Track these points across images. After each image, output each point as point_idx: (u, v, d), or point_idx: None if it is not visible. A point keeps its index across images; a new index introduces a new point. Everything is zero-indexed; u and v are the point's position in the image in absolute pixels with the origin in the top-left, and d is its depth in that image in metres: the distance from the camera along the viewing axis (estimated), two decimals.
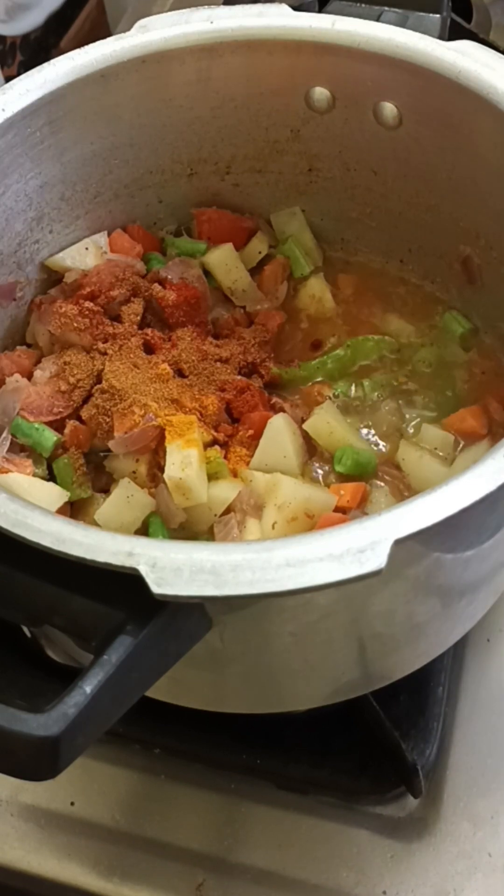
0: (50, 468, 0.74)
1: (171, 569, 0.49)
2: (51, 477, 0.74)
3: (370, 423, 0.79)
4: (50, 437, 0.73)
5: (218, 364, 0.79)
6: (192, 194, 0.88)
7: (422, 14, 0.87)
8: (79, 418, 0.75)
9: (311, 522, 0.69)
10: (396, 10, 0.87)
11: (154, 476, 0.72)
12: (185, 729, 0.76)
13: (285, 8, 0.79)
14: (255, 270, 0.88)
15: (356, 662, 0.65)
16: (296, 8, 0.79)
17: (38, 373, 0.77)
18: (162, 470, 0.70)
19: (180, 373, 0.78)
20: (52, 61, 0.76)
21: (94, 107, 0.78)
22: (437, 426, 0.77)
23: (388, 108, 0.78)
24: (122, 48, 0.77)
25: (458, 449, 0.76)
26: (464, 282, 0.83)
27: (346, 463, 0.74)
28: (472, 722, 0.78)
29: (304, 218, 0.89)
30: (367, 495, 0.73)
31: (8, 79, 1.23)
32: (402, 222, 0.85)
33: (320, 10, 0.87)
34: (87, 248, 0.83)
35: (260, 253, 0.88)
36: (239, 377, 0.79)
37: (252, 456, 0.74)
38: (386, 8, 0.87)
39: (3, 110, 0.73)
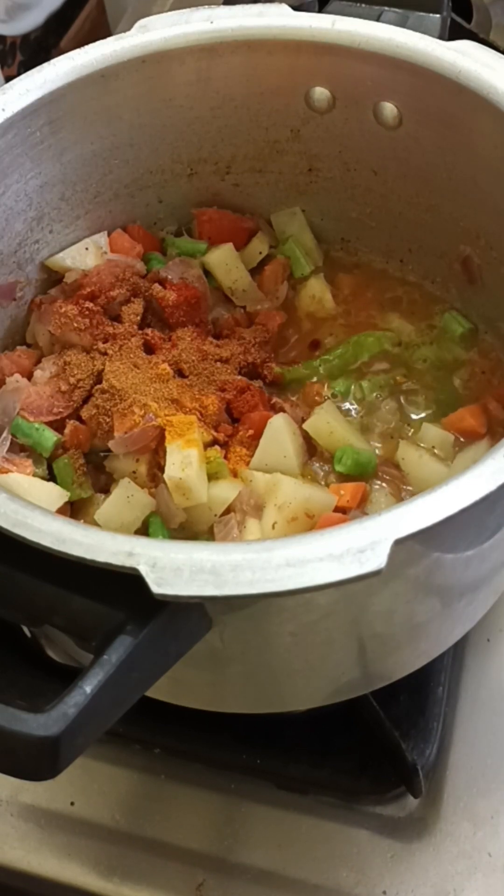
0: (50, 468, 0.74)
1: (171, 569, 0.49)
2: (51, 477, 0.74)
3: (370, 423, 0.79)
4: (50, 437, 0.73)
5: (218, 364, 0.79)
6: (192, 194, 0.88)
7: (422, 14, 0.87)
8: (79, 418, 0.75)
9: (311, 522, 0.69)
10: (396, 10, 0.87)
11: (154, 476, 0.72)
12: (185, 729, 0.76)
13: (285, 8, 0.79)
14: (256, 270, 0.88)
15: (356, 662, 0.65)
16: (296, 8, 0.79)
17: (38, 373, 0.77)
18: (162, 470, 0.70)
19: (180, 373, 0.78)
20: (52, 61, 0.76)
21: (94, 107, 0.78)
22: (437, 425, 0.77)
23: (388, 108, 0.78)
24: (122, 48, 0.77)
25: (458, 448, 0.76)
26: (464, 282, 0.83)
27: (346, 463, 0.74)
28: (472, 722, 0.78)
29: (304, 218, 0.89)
30: (367, 495, 0.73)
31: (8, 79, 1.23)
32: (402, 222, 0.85)
33: (320, 10, 0.87)
34: (87, 248, 0.83)
35: (260, 253, 0.88)
36: (239, 377, 0.79)
37: (252, 456, 0.74)
38: (386, 8, 0.87)
39: (3, 110, 0.73)
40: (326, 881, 0.72)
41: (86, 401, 0.76)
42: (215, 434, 0.74)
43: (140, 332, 0.79)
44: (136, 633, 0.50)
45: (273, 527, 0.69)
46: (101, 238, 0.85)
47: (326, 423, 0.75)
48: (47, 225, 0.81)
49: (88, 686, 0.48)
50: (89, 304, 0.78)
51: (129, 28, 0.78)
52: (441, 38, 0.75)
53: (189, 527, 0.71)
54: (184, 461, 0.69)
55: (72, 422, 0.75)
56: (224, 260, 0.86)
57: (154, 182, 0.86)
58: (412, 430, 0.78)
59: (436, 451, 0.76)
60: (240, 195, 0.89)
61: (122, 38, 0.77)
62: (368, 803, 0.75)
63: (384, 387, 0.81)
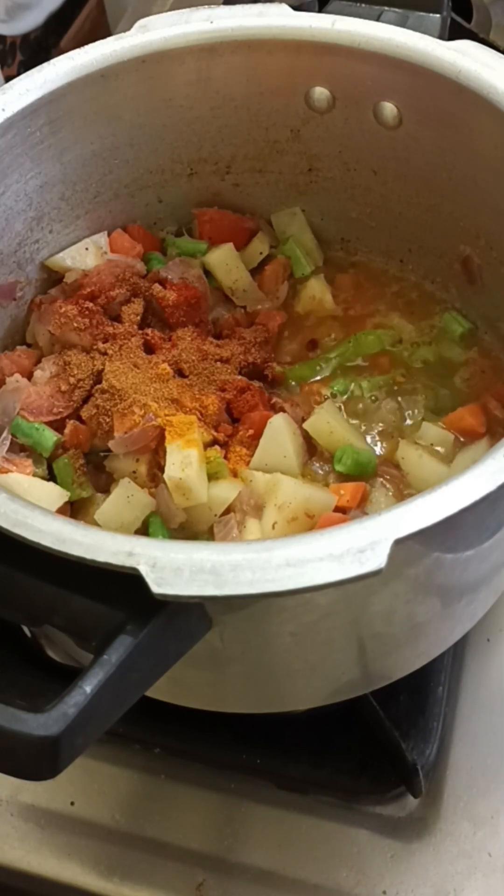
0: (50, 468, 0.74)
1: (171, 569, 0.49)
2: (51, 477, 0.74)
3: (370, 422, 0.79)
4: (50, 436, 0.73)
5: (218, 364, 0.79)
6: (192, 194, 0.88)
7: (422, 14, 0.87)
8: (79, 418, 0.75)
9: (311, 522, 0.69)
10: (396, 9, 0.87)
11: (154, 476, 0.72)
12: (185, 729, 0.76)
13: (285, 8, 0.79)
14: (256, 270, 0.88)
15: (356, 662, 0.65)
16: (296, 8, 0.79)
17: (38, 373, 0.77)
18: (162, 470, 0.70)
19: (180, 373, 0.78)
20: (52, 61, 0.76)
21: (94, 107, 0.78)
22: (437, 425, 0.77)
23: (388, 108, 0.78)
24: (122, 48, 0.77)
25: (458, 448, 0.76)
26: (464, 282, 0.83)
27: (346, 462, 0.74)
28: (472, 722, 0.78)
29: (304, 218, 0.89)
30: (367, 495, 0.73)
31: (8, 78, 1.23)
32: (402, 222, 0.85)
33: (320, 10, 0.87)
34: (87, 248, 0.83)
35: (261, 254, 0.88)
36: (239, 377, 0.79)
37: (252, 456, 0.74)
38: (386, 8, 0.87)
39: (3, 110, 0.73)
40: (326, 881, 0.72)
41: (86, 401, 0.76)
42: (215, 434, 0.74)
43: (140, 332, 0.79)
44: (136, 633, 0.50)
45: (273, 527, 0.69)
46: (101, 238, 0.85)
47: (326, 422, 0.75)
48: (47, 225, 0.81)
49: (88, 686, 0.48)
50: (89, 304, 0.79)
51: (129, 28, 0.78)
52: (441, 38, 0.75)
53: (189, 527, 0.71)
54: (184, 461, 0.69)
55: (72, 422, 0.75)
56: (224, 260, 0.86)
57: (154, 182, 0.86)
58: (412, 430, 0.78)
59: (436, 450, 0.76)
60: (240, 195, 0.89)
61: (122, 37, 0.77)
62: (368, 803, 0.75)
63: (384, 386, 0.81)
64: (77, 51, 0.76)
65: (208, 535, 0.70)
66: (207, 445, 0.73)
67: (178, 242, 0.88)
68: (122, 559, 0.49)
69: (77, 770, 0.68)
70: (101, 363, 0.76)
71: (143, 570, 0.49)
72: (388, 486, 0.74)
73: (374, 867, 0.72)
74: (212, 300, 0.84)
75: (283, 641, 0.59)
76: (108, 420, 0.73)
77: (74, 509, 0.73)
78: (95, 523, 0.70)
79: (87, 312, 0.78)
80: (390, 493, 0.74)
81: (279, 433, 0.74)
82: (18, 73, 0.94)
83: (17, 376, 0.77)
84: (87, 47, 0.77)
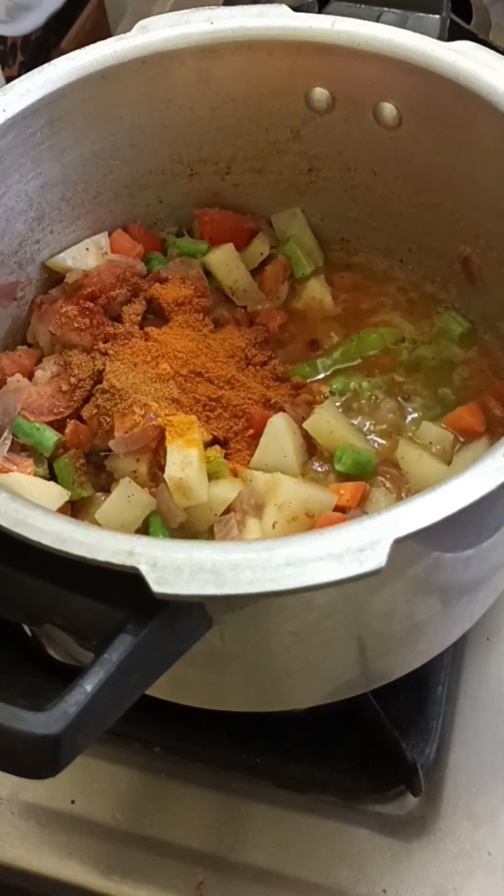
0: (51, 468, 0.74)
1: (172, 568, 0.49)
2: (52, 476, 0.74)
3: (370, 422, 0.80)
4: (51, 436, 0.74)
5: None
6: (192, 194, 0.88)
7: (422, 14, 0.87)
8: (79, 418, 0.75)
9: (311, 522, 0.69)
10: (396, 10, 0.87)
11: (154, 475, 0.72)
12: (186, 728, 0.76)
13: (285, 8, 0.79)
14: (256, 270, 0.88)
15: (356, 661, 0.65)
16: (296, 8, 0.79)
17: (38, 373, 0.78)
18: (162, 469, 0.70)
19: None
20: (53, 62, 0.76)
21: (94, 107, 0.78)
22: (437, 424, 0.77)
23: (388, 108, 0.78)
24: (122, 49, 0.77)
25: (457, 447, 0.76)
26: (464, 282, 0.83)
27: (346, 462, 0.74)
28: (472, 721, 0.78)
29: (304, 218, 0.89)
30: (367, 494, 0.73)
31: (9, 79, 1.23)
32: (402, 222, 0.85)
33: (320, 11, 0.87)
34: (87, 249, 0.83)
35: (261, 254, 0.88)
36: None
37: (252, 455, 0.74)
38: (386, 8, 0.87)
39: (4, 111, 0.73)
40: (326, 880, 0.72)
41: (86, 400, 0.76)
42: (215, 433, 0.75)
43: (140, 331, 0.79)
44: (136, 633, 0.50)
45: (273, 526, 0.69)
46: (102, 238, 0.85)
47: (326, 422, 0.76)
48: (48, 225, 0.81)
49: (89, 685, 0.48)
50: (90, 304, 0.79)
51: (129, 28, 0.78)
52: (441, 38, 0.76)
53: (189, 526, 0.71)
54: (184, 461, 0.69)
55: (72, 421, 0.75)
56: (224, 260, 0.86)
57: (154, 182, 0.86)
58: (412, 429, 0.78)
59: (435, 449, 0.76)
60: (240, 195, 0.89)
61: (122, 38, 0.78)
62: (368, 802, 0.75)
63: (383, 386, 0.81)
64: (78, 51, 0.77)
65: (208, 534, 0.70)
66: (207, 445, 0.73)
67: (179, 242, 0.88)
68: (122, 559, 0.50)
69: (77, 769, 0.68)
70: (102, 363, 0.76)
71: (144, 570, 0.49)
72: (388, 485, 0.74)
73: (374, 866, 0.72)
74: (212, 300, 0.84)
75: (283, 641, 0.59)
76: (108, 420, 0.73)
77: (75, 509, 0.73)
78: (96, 523, 0.70)
79: (87, 312, 0.78)
80: (390, 493, 0.74)
81: (279, 433, 0.74)
82: (19, 74, 0.94)
83: (18, 376, 0.77)
84: (87, 48, 0.77)
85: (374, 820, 0.74)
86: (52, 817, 0.76)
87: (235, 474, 0.72)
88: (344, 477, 0.74)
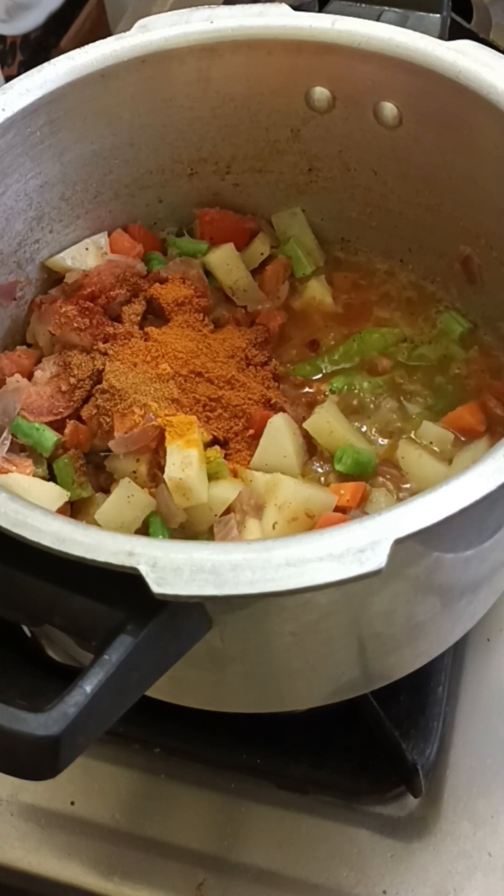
0: (50, 468, 0.74)
1: (172, 568, 0.49)
2: (51, 477, 0.74)
3: (370, 422, 0.79)
4: (50, 437, 0.73)
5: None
6: (192, 194, 0.88)
7: (422, 14, 0.87)
8: (79, 418, 0.75)
9: (311, 522, 0.69)
10: (396, 9, 0.87)
11: (154, 476, 0.72)
12: (185, 728, 0.76)
13: (285, 8, 0.79)
14: (257, 270, 0.88)
15: (356, 662, 0.65)
16: (296, 8, 0.79)
17: (38, 373, 0.77)
18: (162, 470, 0.70)
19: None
20: (52, 61, 0.76)
21: (94, 107, 0.78)
22: (437, 424, 0.77)
23: (388, 108, 0.78)
24: (122, 48, 0.77)
25: (458, 447, 0.76)
26: (464, 281, 0.83)
27: (347, 462, 0.74)
28: (472, 722, 0.78)
29: (304, 218, 0.89)
30: (368, 495, 0.73)
31: (8, 78, 1.23)
32: (402, 222, 0.85)
33: (320, 10, 0.87)
34: (87, 249, 0.83)
35: (262, 254, 0.88)
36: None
37: (252, 456, 0.74)
38: (386, 8, 0.87)
39: (4, 110, 0.73)
40: (326, 881, 0.72)
41: (86, 401, 0.76)
42: (215, 433, 0.75)
43: (140, 331, 0.79)
44: (136, 633, 0.50)
45: (273, 527, 0.69)
46: (102, 238, 0.85)
47: (327, 422, 0.76)
48: (47, 225, 0.81)
49: (89, 686, 0.48)
50: (89, 304, 0.79)
51: (129, 28, 0.78)
52: (441, 37, 0.75)
53: (189, 527, 0.71)
54: (184, 461, 0.69)
55: (72, 422, 0.75)
56: (225, 260, 0.86)
57: (154, 182, 0.86)
58: (412, 429, 0.78)
59: (435, 449, 0.76)
60: (240, 195, 0.89)
61: (122, 37, 0.77)
62: (368, 803, 0.75)
63: (383, 386, 0.81)
64: (77, 51, 0.76)
65: (208, 535, 0.70)
66: (207, 445, 0.73)
67: (179, 242, 0.88)
68: (122, 559, 0.49)
69: (77, 770, 0.68)
70: (102, 363, 0.76)
71: (144, 570, 0.49)
72: (388, 485, 0.74)
73: (374, 867, 0.72)
74: (212, 300, 0.84)
75: (283, 641, 0.59)
76: (108, 420, 0.73)
77: (75, 509, 0.73)
78: (96, 523, 0.70)
79: (87, 312, 0.78)
80: (391, 494, 0.74)
81: (279, 433, 0.74)
82: (18, 73, 0.94)
83: (18, 376, 0.77)
84: (87, 47, 0.77)
85: (374, 820, 0.74)
86: (52, 818, 0.76)
87: (235, 475, 0.72)
88: (344, 477, 0.74)
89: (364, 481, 0.74)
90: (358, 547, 0.49)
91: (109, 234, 0.85)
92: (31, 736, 0.47)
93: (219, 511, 0.70)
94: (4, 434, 0.74)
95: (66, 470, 0.73)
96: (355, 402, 0.80)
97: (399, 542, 0.50)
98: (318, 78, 0.79)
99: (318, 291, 0.87)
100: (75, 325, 0.77)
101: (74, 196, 0.82)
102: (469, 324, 0.83)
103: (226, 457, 0.74)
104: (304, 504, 0.69)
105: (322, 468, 0.76)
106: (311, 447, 0.77)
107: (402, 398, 0.81)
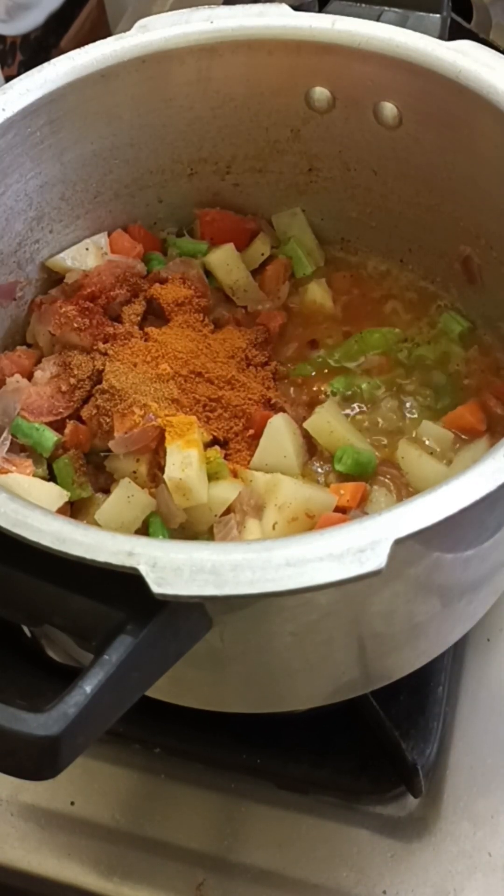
0: (50, 468, 0.74)
1: (172, 568, 0.49)
2: (51, 477, 0.74)
3: (370, 422, 0.79)
4: (50, 437, 0.73)
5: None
6: (192, 194, 0.88)
7: (422, 14, 0.87)
8: (79, 418, 0.75)
9: (311, 522, 0.69)
10: (396, 9, 0.87)
11: (154, 476, 0.72)
12: (185, 729, 0.76)
13: (285, 8, 0.79)
14: (257, 270, 0.88)
15: (356, 662, 0.65)
16: (296, 8, 0.79)
17: (38, 373, 0.77)
18: (162, 470, 0.70)
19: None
20: (52, 61, 0.76)
21: (94, 107, 0.78)
22: (437, 423, 0.77)
23: (388, 108, 0.78)
24: (122, 48, 0.77)
25: (458, 446, 0.76)
26: (464, 282, 0.83)
27: (347, 462, 0.74)
28: (472, 722, 0.78)
29: (304, 218, 0.89)
30: (368, 495, 0.73)
31: (8, 78, 1.23)
32: (402, 222, 0.85)
33: (320, 10, 0.87)
34: (87, 249, 0.83)
35: (262, 255, 0.88)
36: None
37: (252, 456, 0.74)
38: (386, 8, 0.87)
39: (4, 110, 0.73)
40: (326, 881, 0.72)
41: (86, 401, 0.76)
42: (215, 433, 0.75)
43: (140, 331, 0.79)
44: (136, 633, 0.50)
45: (273, 527, 0.69)
46: (102, 238, 0.85)
47: (327, 422, 0.76)
48: (47, 225, 0.81)
49: (88, 686, 0.48)
50: (89, 305, 0.79)
51: (129, 28, 0.78)
52: (441, 37, 0.75)
53: (189, 527, 0.71)
54: (184, 461, 0.69)
55: (72, 422, 0.75)
56: (225, 260, 0.86)
57: (154, 182, 0.86)
58: (412, 429, 0.78)
59: (435, 448, 0.76)
60: (240, 195, 0.89)
61: (122, 37, 0.77)
62: (368, 803, 0.75)
63: (383, 386, 0.81)
64: (77, 51, 0.77)
65: (208, 535, 0.70)
66: (207, 445, 0.73)
67: (179, 243, 0.88)
68: (122, 559, 0.49)
69: (77, 770, 0.68)
70: (102, 363, 0.76)
71: (143, 570, 0.49)
72: (387, 485, 0.74)
73: (374, 867, 0.72)
74: (212, 300, 0.84)
75: (283, 641, 0.59)
76: (108, 420, 0.73)
77: (74, 509, 0.73)
78: (96, 523, 0.70)
79: (87, 312, 0.78)
80: (391, 494, 0.74)
81: (279, 433, 0.74)
82: (18, 73, 0.94)
83: (18, 377, 0.77)
84: (87, 47, 0.77)
85: (374, 821, 0.74)
86: (52, 818, 0.76)
87: (235, 475, 0.72)
88: (344, 477, 0.74)
89: (364, 481, 0.74)
90: (358, 547, 0.49)
91: (109, 235, 0.85)
92: (31, 736, 0.47)
93: (219, 511, 0.70)
94: (4, 434, 0.74)
95: (66, 470, 0.73)
96: (355, 403, 0.80)
97: (399, 542, 0.50)
98: (318, 78, 0.79)
99: (318, 292, 0.87)
100: (75, 325, 0.77)
101: (74, 196, 0.82)
102: (469, 323, 0.83)
103: (226, 457, 0.74)
104: (304, 504, 0.69)
105: (322, 468, 0.76)
106: (311, 447, 0.77)
107: (401, 398, 0.81)
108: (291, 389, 0.82)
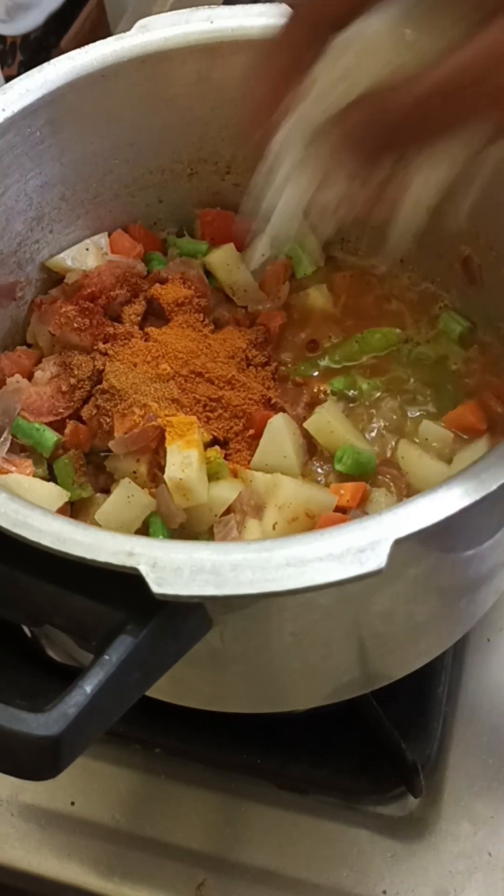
0: (50, 468, 0.74)
1: (172, 568, 0.49)
2: (51, 477, 0.74)
3: (370, 422, 0.79)
4: (50, 437, 0.73)
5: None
6: (192, 194, 0.88)
7: None
8: (79, 418, 0.75)
9: (311, 522, 0.69)
10: None
11: (154, 476, 0.72)
12: (185, 729, 0.76)
13: (285, 8, 0.79)
14: (257, 270, 0.88)
15: (356, 662, 0.65)
16: None
17: (38, 373, 0.77)
18: (162, 470, 0.70)
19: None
20: (53, 61, 0.76)
21: (94, 107, 0.78)
22: (437, 423, 0.77)
23: None
24: (122, 48, 0.77)
25: (458, 446, 0.76)
26: (464, 282, 0.83)
27: (347, 462, 0.73)
28: (472, 722, 0.78)
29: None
30: (368, 495, 0.73)
31: (8, 79, 1.23)
32: None
33: None
34: (87, 249, 0.83)
35: (263, 255, 0.88)
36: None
37: (252, 456, 0.74)
38: None
39: (4, 110, 0.73)
40: (326, 881, 0.72)
41: (86, 401, 0.76)
42: (215, 433, 0.74)
43: (140, 331, 0.79)
44: (136, 633, 0.50)
45: (273, 527, 0.68)
46: (102, 238, 0.85)
47: (327, 422, 0.75)
48: (47, 225, 0.81)
49: (89, 686, 0.48)
50: (89, 305, 0.79)
51: (129, 28, 0.78)
52: None
53: (189, 527, 0.71)
54: (184, 462, 0.69)
55: (72, 422, 0.75)
56: (225, 260, 0.86)
57: (154, 182, 0.86)
58: (412, 429, 0.78)
59: (436, 448, 0.76)
60: (240, 195, 0.89)
61: (122, 38, 0.77)
62: (368, 803, 0.75)
63: (384, 386, 0.81)
64: (77, 51, 0.77)
65: (208, 535, 0.70)
66: (207, 445, 0.73)
67: (179, 243, 0.88)
68: (122, 559, 0.49)
69: (77, 770, 0.68)
70: (102, 363, 0.76)
71: (144, 570, 0.49)
72: (388, 486, 0.74)
73: (374, 867, 0.72)
74: (212, 300, 0.84)
75: (283, 641, 0.59)
76: (108, 420, 0.73)
77: (75, 509, 0.73)
78: (96, 523, 0.70)
79: (87, 313, 0.78)
80: (391, 494, 0.74)
81: (279, 433, 0.74)
82: (18, 73, 0.94)
83: (18, 377, 0.77)
84: (87, 47, 0.77)
85: (374, 821, 0.74)
86: (52, 818, 0.76)
87: (235, 475, 0.72)
88: (344, 477, 0.74)
89: (364, 481, 0.74)
90: (358, 547, 0.49)
91: (109, 235, 0.85)
92: (31, 736, 0.47)
93: (219, 511, 0.70)
94: (4, 434, 0.74)
95: (66, 470, 0.73)
96: (355, 403, 0.80)
97: (399, 542, 0.50)
98: None
99: (318, 292, 0.87)
100: (75, 325, 0.77)
101: (74, 196, 0.82)
102: (469, 323, 0.83)
103: (226, 457, 0.74)
104: (305, 504, 0.69)
105: (322, 468, 0.76)
106: (311, 447, 0.77)
107: (402, 398, 0.81)
108: (292, 389, 0.81)
